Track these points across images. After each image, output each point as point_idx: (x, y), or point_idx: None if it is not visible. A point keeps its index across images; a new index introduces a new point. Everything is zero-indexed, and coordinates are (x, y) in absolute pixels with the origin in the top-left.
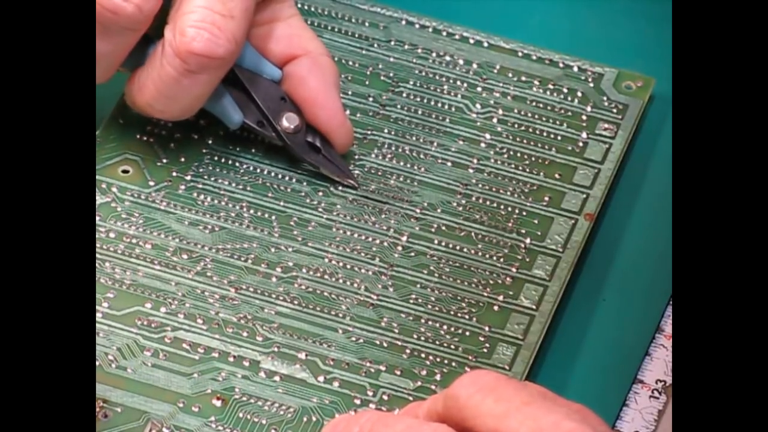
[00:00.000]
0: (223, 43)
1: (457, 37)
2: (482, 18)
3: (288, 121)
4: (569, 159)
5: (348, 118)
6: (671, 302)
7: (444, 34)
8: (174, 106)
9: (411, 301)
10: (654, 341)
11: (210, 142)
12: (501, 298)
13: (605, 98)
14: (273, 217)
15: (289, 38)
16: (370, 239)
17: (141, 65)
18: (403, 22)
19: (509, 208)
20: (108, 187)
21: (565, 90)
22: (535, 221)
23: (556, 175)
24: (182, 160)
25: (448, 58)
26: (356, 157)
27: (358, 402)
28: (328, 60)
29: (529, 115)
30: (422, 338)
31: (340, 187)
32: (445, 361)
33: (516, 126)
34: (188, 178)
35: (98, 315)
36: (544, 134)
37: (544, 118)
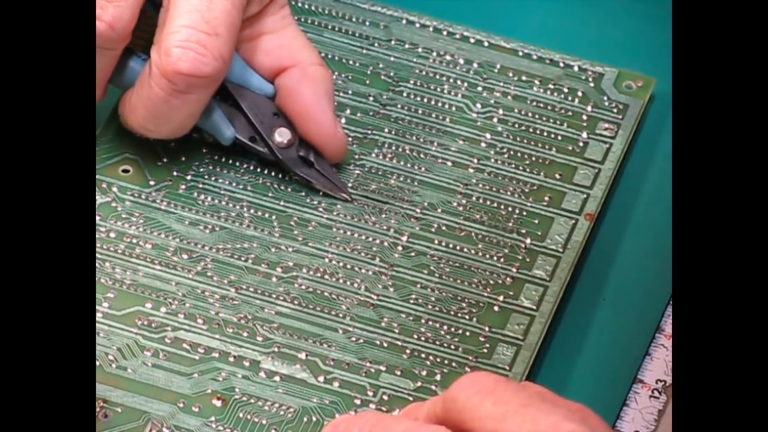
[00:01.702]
0: (209, 62)
1: (457, 36)
2: (483, 17)
3: (280, 136)
4: (569, 159)
5: (340, 129)
6: (671, 302)
7: (444, 33)
8: (166, 125)
9: (411, 302)
10: (654, 341)
11: (210, 141)
12: (501, 298)
13: (605, 98)
14: (273, 217)
15: (279, 50)
16: (370, 239)
17: (132, 84)
18: (404, 22)
19: (509, 208)
20: (108, 186)
21: (566, 90)
22: (536, 221)
23: (557, 175)
24: (182, 159)
25: (448, 57)
26: (356, 156)
27: (358, 402)
28: (320, 69)
29: (530, 114)
30: (422, 338)
31: None
32: (445, 362)
33: (516, 126)
34: (188, 177)
35: (98, 315)
36: (545, 134)
37: (544, 118)
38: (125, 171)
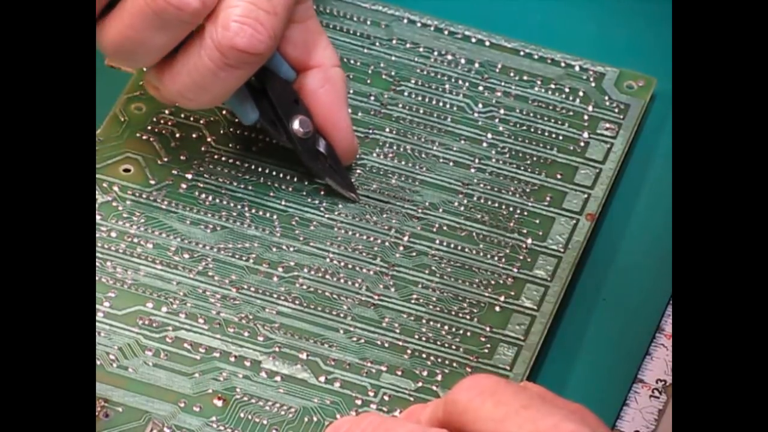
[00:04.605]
0: (264, 40)
1: (458, 35)
2: (484, 17)
3: (299, 125)
4: (570, 159)
5: (355, 136)
6: (671, 302)
7: (446, 32)
8: (205, 96)
9: (412, 302)
10: (654, 341)
11: (211, 140)
12: (502, 298)
13: (607, 98)
14: (274, 217)
15: (305, 45)
16: (371, 239)
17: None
18: (405, 21)
19: (510, 208)
20: (109, 186)
21: (567, 89)
22: (537, 221)
23: (558, 175)
24: (183, 158)
25: (449, 57)
26: (358, 156)
27: (359, 402)
28: (339, 72)
29: (531, 114)
30: (423, 338)
31: None
32: (446, 362)
33: (517, 125)
34: (189, 177)
35: (99, 314)
36: (546, 134)
37: (545, 118)
38: (126, 170)
